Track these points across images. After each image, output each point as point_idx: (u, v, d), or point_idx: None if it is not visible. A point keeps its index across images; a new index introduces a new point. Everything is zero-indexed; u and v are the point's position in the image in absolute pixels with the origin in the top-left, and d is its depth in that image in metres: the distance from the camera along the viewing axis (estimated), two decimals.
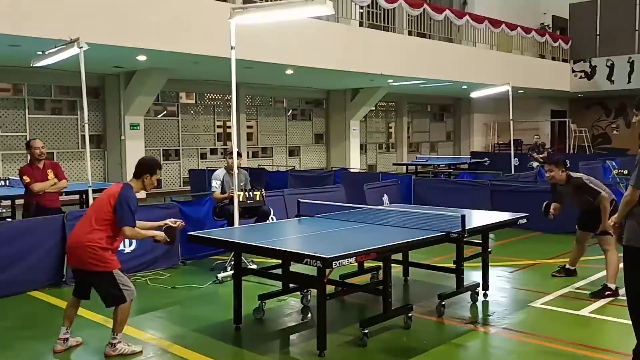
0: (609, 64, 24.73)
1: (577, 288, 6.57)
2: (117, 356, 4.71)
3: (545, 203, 7.04)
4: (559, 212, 7.01)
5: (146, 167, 4.96)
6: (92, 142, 15.47)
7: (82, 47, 7.92)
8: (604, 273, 6.80)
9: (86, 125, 8.13)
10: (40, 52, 9.37)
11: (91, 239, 4.63)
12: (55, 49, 8.67)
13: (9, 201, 10.30)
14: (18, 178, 7.95)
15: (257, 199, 7.68)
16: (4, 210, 11.08)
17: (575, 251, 7.13)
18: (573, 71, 25.44)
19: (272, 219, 8.54)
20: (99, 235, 4.65)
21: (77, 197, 11.00)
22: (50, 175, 7.38)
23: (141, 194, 15.32)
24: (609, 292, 6.13)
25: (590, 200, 6.52)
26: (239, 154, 7.60)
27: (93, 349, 5.00)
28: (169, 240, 4.97)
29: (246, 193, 7.59)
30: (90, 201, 8.22)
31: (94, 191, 8.54)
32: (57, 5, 9.99)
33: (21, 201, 7.86)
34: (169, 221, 5.06)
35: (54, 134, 15.09)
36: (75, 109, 15.45)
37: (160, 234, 4.96)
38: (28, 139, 8.05)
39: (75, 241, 4.73)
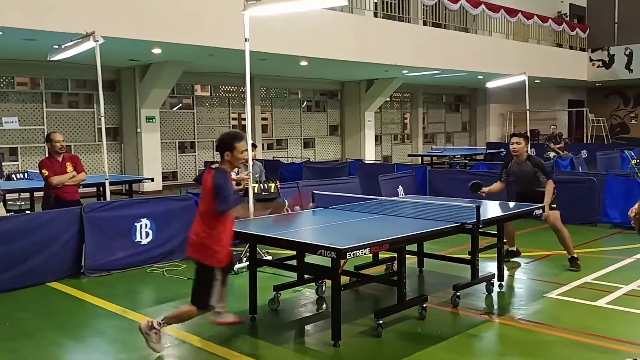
0: (627, 53, 24.38)
1: (594, 279, 6.53)
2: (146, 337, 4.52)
3: (473, 182, 7.11)
4: (496, 192, 7.15)
5: (223, 145, 4.60)
6: (109, 135, 15.62)
7: (97, 40, 7.98)
8: (622, 264, 6.77)
9: (103, 118, 8.20)
10: (57, 46, 9.47)
11: None
12: (72, 43, 8.74)
13: (28, 194, 10.43)
14: (37, 171, 8.05)
15: (272, 190, 7.71)
16: (23, 203, 11.23)
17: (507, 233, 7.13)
18: (591, 60, 25.11)
19: (287, 211, 8.57)
20: None
21: (94, 189, 11.12)
22: (69, 168, 7.46)
23: (157, 186, 15.41)
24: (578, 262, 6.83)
25: (541, 180, 6.89)
26: (254, 146, 7.63)
27: (110, 339, 5.08)
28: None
29: (261, 185, 7.62)
30: (108, 193, 8.32)
31: (111, 183, 8.63)
32: None
33: (40, 194, 7.97)
34: None
35: (71, 127, 15.24)
36: (92, 102, 15.59)
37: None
38: (47, 133, 8.15)
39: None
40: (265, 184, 7.67)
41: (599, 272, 6.77)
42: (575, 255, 6.96)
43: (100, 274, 6.94)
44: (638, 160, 15.73)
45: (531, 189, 7.00)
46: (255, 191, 7.46)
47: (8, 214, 7.10)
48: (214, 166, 4.63)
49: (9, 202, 9.97)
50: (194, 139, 17.84)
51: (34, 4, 9.66)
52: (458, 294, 5.64)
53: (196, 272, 4.62)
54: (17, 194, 10.84)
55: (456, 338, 4.89)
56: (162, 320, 4.55)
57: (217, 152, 4.66)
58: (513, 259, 7.35)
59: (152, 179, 12.29)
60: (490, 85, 17.35)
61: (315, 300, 5.96)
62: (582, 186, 9.94)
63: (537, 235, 9.09)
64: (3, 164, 7.06)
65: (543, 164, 7.17)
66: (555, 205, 6.88)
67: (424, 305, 5.32)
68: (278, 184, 7.94)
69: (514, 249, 7.46)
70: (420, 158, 21.29)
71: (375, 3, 16.62)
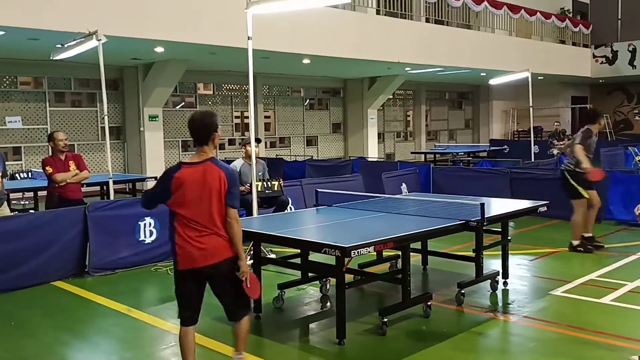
0: (630, 49, 24.29)
1: (599, 276, 6.51)
2: None
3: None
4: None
5: (211, 127, 3.89)
6: (112, 133, 15.61)
7: (100, 39, 7.99)
8: (626, 260, 6.75)
9: (106, 117, 8.21)
10: (60, 45, 9.48)
11: None
12: (75, 42, 8.75)
13: (32, 193, 10.45)
14: (40, 170, 8.06)
15: (276, 188, 7.74)
16: (27, 202, 11.26)
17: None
18: (594, 56, 25.03)
19: (291, 209, 8.58)
20: None
21: (98, 188, 11.15)
22: (72, 166, 7.47)
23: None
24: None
25: None
26: (258, 140, 7.64)
27: (115, 338, 5.08)
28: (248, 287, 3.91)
29: (264, 183, 7.62)
30: (111, 192, 8.33)
31: (115, 182, 8.63)
32: None
33: (44, 193, 7.97)
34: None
35: (74, 126, 15.26)
36: (95, 101, 15.59)
37: (246, 266, 3.90)
38: (49, 132, 8.16)
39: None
40: (269, 182, 7.68)
41: (603, 269, 6.75)
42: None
43: (104, 273, 6.95)
44: None
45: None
46: (259, 189, 7.47)
47: (12, 213, 7.11)
48: (198, 159, 3.86)
49: (13, 202, 10.00)
50: None
51: (37, 4, 9.66)
52: (463, 291, 5.63)
53: (229, 277, 3.86)
54: (21, 193, 10.87)
55: (461, 336, 4.89)
56: (238, 355, 4.06)
57: (196, 138, 3.91)
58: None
59: (156, 178, 12.23)
60: (493, 82, 17.32)
61: (320, 298, 5.96)
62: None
63: (541, 232, 9.08)
64: (5, 163, 7.04)
65: None
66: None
67: (429, 303, 5.31)
68: (282, 182, 7.95)
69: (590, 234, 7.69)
70: (423, 155, 21.26)
71: (378, 0, 16.59)
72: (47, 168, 7.33)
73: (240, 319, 3.99)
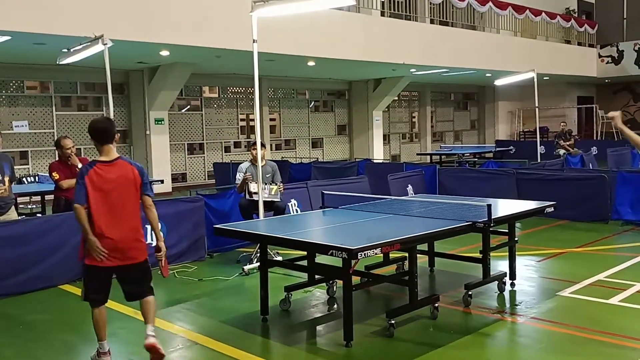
0: (636, 48, 24.21)
1: (606, 277, 6.48)
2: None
3: None
4: None
5: (113, 129, 4.54)
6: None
7: (106, 43, 8.02)
8: (634, 261, 6.72)
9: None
10: (66, 50, 9.52)
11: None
12: (80, 47, 8.79)
13: (39, 197, 10.49)
14: (47, 174, 8.08)
15: (273, 192, 7.65)
16: (35, 206, 11.30)
17: None
18: (600, 56, 24.96)
19: (297, 211, 8.58)
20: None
21: None
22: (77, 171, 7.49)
23: (167, 187, 15.45)
24: None
25: None
26: (263, 145, 7.63)
27: (122, 340, 5.10)
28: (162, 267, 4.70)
29: (265, 186, 7.60)
30: None
31: None
32: (80, 3, 10.12)
33: (51, 197, 8.00)
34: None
35: (80, 130, 15.31)
36: (101, 105, 15.66)
37: (164, 250, 4.68)
38: (57, 137, 8.17)
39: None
40: (268, 185, 7.63)
41: (611, 270, 6.72)
42: None
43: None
44: None
45: None
46: (254, 191, 7.44)
47: (20, 218, 7.13)
48: (104, 158, 4.41)
49: (20, 206, 10.03)
50: (203, 140, 17.88)
51: (43, 9, 9.72)
52: (470, 293, 5.62)
53: (144, 270, 4.55)
54: (28, 198, 10.91)
55: (468, 337, 4.87)
56: (152, 327, 4.47)
57: (104, 140, 4.46)
58: None
59: (162, 181, 12.32)
60: (498, 82, 17.29)
61: (327, 300, 5.96)
62: (592, 183, 9.89)
63: (549, 232, 9.05)
64: (14, 167, 7.07)
65: None
66: None
67: (436, 304, 5.30)
68: (281, 186, 7.87)
69: None
70: (429, 157, 21.23)
71: (383, 2, 16.61)
72: (53, 174, 7.34)
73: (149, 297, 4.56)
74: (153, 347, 4.31)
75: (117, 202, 4.37)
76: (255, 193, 7.47)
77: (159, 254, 4.65)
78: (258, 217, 7.45)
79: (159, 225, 4.66)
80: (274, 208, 7.71)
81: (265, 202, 7.57)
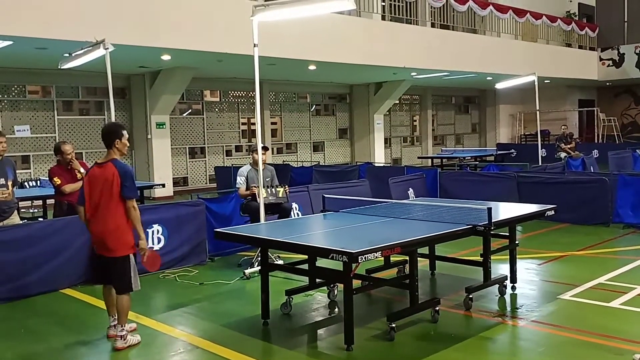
0: (637, 51, 24.21)
1: (607, 280, 6.48)
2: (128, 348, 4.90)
3: None
4: None
5: (113, 134, 4.95)
6: None
7: (107, 48, 8.04)
8: (635, 264, 6.72)
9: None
10: (67, 54, 9.55)
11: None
12: (82, 51, 8.81)
13: (41, 201, 10.51)
14: (48, 179, 8.09)
15: (280, 195, 7.71)
16: (36, 210, 11.32)
17: None
18: (600, 59, 24.97)
19: (298, 215, 8.59)
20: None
21: None
22: (79, 175, 7.50)
23: (168, 191, 15.48)
24: None
25: None
26: (265, 148, 7.66)
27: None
28: (148, 261, 5.04)
29: (269, 189, 7.63)
30: None
31: None
32: (82, 7, 10.15)
33: (52, 201, 8.01)
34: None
35: (82, 134, 15.35)
36: (103, 109, 15.69)
37: (144, 239, 5.02)
38: (57, 142, 8.17)
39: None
40: (274, 189, 7.67)
41: (612, 273, 6.72)
42: None
43: None
44: None
45: None
46: (264, 195, 7.48)
47: (21, 222, 7.15)
48: (100, 161, 4.96)
49: (22, 210, 10.04)
50: (204, 144, 17.90)
51: (45, 13, 9.75)
52: (471, 296, 5.62)
53: (118, 266, 4.87)
54: (29, 202, 10.93)
55: (469, 341, 4.88)
56: (121, 327, 4.89)
57: (106, 145, 4.98)
58: None
59: (163, 185, 12.34)
60: (499, 86, 17.30)
61: (328, 304, 5.96)
62: (594, 186, 9.89)
63: (550, 235, 9.05)
64: (16, 171, 7.09)
65: None
66: None
67: (437, 308, 5.30)
68: (287, 188, 7.94)
69: None
70: (430, 160, 21.25)
71: (383, 6, 16.63)
72: (55, 179, 7.35)
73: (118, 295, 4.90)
74: (112, 337, 5.00)
75: (99, 201, 4.84)
76: (264, 197, 7.50)
77: (140, 249, 4.98)
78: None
79: (140, 225, 4.95)
80: (281, 210, 7.75)
81: (270, 205, 7.61)
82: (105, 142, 4.96)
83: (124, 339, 4.88)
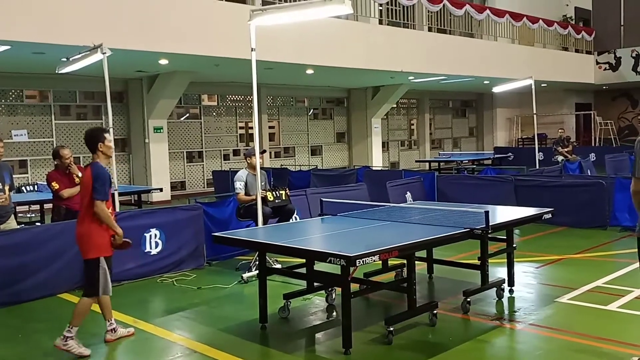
0: (634, 55, 24.31)
1: (605, 283, 6.49)
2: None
3: None
4: None
5: (95, 139, 5.04)
6: (117, 145, 15.70)
7: (105, 52, 8.05)
8: (632, 267, 6.72)
9: (111, 130, 8.20)
10: (65, 59, 9.55)
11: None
12: (80, 56, 8.82)
13: (38, 206, 10.49)
14: (46, 183, 8.09)
15: (284, 198, 7.81)
16: (33, 215, 11.30)
17: None
18: (597, 63, 25.06)
19: (296, 219, 8.59)
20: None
21: None
22: (78, 180, 7.50)
23: (166, 195, 15.46)
24: None
25: None
26: (263, 151, 7.71)
27: (122, 349, 5.10)
28: (121, 247, 5.11)
29: (274, 193, 7.69)
30: (117, 204, 8.35)
31: (120, 194, 8.65)
32: (79, 12, 10.16)
33: (50, 205, 8.00)
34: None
35: (79, 139, 15.29)
36: (100, 113, 15.69)
37: (120, 234, 5.04)
38: (55, 147, 8.18)
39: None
40: (277, 192, 7.73)
41: (610, 276, 6.73)
42: None
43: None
44: None
45: None
46: (270, 199, 7.55)
47: (19, 226, 7.14)
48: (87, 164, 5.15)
49: (19, 215, 10.04)
50: (202, 148, 17.90)
51: (42, 18, 9.75)
52: (468, 299, 5.63)
53: (86, 267, 5.03)
54: (27, 206, 10.92)
55: (467, 344, 4.88)
56: (69, 327, 4.85)
57: (90, 149, 5.08)
58: None
59: (161, 189, 12.34)
60: (496, 89, 17.34)
61: (326, 308, 5.96)
62: (591, 189, 9.91)
63: (547, 239, 9.06)
64: (13, 176, 7.09)
65: None
66: None
67: (435, 311, 5.31)
68: (288, 191, 8.00)
69: None
70: (427, 164, 21.27)
71: (380, 10, 16.67)
72: (53, 184, 7.35)
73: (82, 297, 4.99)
74: (56, 347, 4.86)
75: (81, 201, 5.05)
76: (270, 201, 7.55)
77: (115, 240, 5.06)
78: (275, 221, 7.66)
79: (113, 222, 5.03)
80: (285, 212, 7.80)
81: (275, 207, 7.67)
82: (89, 147, 5.07)
83: (65, 341, 4.82)
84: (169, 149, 16.02)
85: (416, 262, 5.31)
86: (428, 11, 17.67)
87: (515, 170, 13.13)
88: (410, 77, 18.06)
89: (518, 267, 6.67)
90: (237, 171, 8.20)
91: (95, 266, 4.92)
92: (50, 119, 14.89)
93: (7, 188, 6.56)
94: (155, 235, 7.45)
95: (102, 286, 4.93)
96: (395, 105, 22.43)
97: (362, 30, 15.30)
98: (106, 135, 5.07)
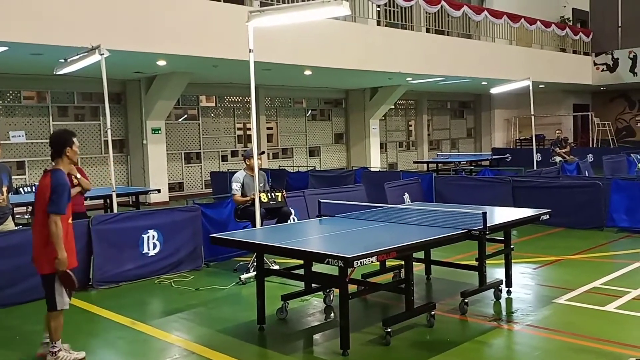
0: (631, 56, 24.35)
1: (602, 284, 6.50)
2: None
3: None
4: None
5: (62, 142, 4.70)
6: (115, 147, 15.68)
7: (103, 54, 8.05)
8: (630, 268, 6.74)
9: (109, 131, 8.24)
10: (63, 60, 9.55)
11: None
12: (77, 57, 8.81)
13: None
14: None
15: (279, 200, 7.75)
16: (31, 216, 11.27)
17: None
18: (595, 64, 25.10)
19: (294, 220, 8.59)
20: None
21: (101, 201, 11.18)
22: (76, 181, 7.49)
23: (164, 197, 15.45)
24: None
25: None
26: (263, 152, 7.68)
27: (120, 351, 5.09)
28: (62, 282, 4.60)
29: (269, 194, 7.65)
30: (115, 205, 8.36)
31: (118, 195, 8.64)
32: (77, 13, 10.15)
33: None
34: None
35: (77, 140, 15.30)
36: (98, 114, 15.67)
37: (61, 260, 4.47)
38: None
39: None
40: (273, 194, 7.70)
41: (607, 277, 6.74)
42: None
43: (108, 286, 6.96)
44: None
45: None
46: (264, 200, 7.50)
47: (16, 228, 7.13)
48: (49, 168, 4.67)
49: (17, 216, 10.01)
50: (200, 149, 17.89)
51: (40, 19, 9.75)
52: (466, 300, 5.63)
53: (44, 283, 4.64)
54: (24, 208, 10.90)
55: (465, 345, 4.88)
56: (53, 343, 4.61)
57: (55, 152, 4.73)
58: None
59: (159, 190, 12.34)
60: (494, 91, 17.35)
61: (323, 309, 5.96)
62: (588, 190, 9.92)
63: (545, 240, 9.07)
64: (11, 177, 7.08)
65: None
66: None
67: (432, 312, 5.31)
68: (284, 193, 7.97)
69: None
70: (425, 165, 21.29)
71: (378, 11, 16.68)
72: None
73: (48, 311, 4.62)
74: (41, 356, 4.67)
75: (35, 212, 4.63)
76: (264, 202, 7.52)
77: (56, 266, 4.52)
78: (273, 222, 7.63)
79: (60, 243, 4.46)
80: (281, 214, 7.77)
81: (270, 209, 7.63)
82: (55, 150, 4.68)
83: (54, 356, 4.59)
84: (167, 150, 16.01)
85: (414, 263, 5.31)
86: (426, 12, 17.68)
87: (513, 172, 13.15)
88: (408, 78, 18.08)
89: (516, 268, 6.67)
90: (235, 172, 8.20)
91: (51, 281, 4.56)
92: (48, 120, 14.87)
93: (5, 189, 6.55)
94: (153, 236, 7.45)
95: (57, 300, 4.59)
96: (393, 107, 22.44)
97: (360, 32, 15.31)
98: (74, 139, 4.77)
